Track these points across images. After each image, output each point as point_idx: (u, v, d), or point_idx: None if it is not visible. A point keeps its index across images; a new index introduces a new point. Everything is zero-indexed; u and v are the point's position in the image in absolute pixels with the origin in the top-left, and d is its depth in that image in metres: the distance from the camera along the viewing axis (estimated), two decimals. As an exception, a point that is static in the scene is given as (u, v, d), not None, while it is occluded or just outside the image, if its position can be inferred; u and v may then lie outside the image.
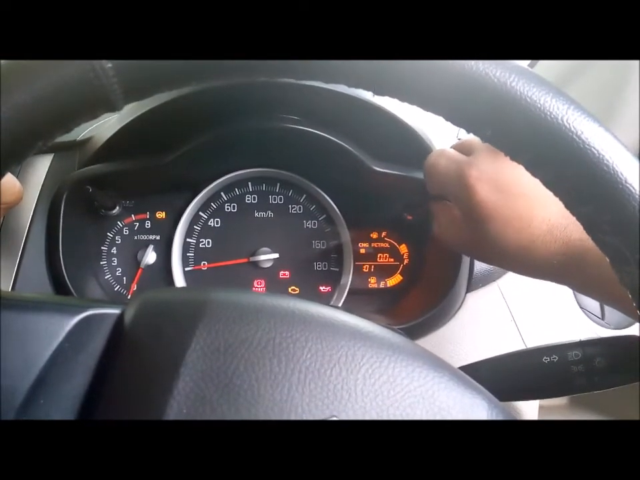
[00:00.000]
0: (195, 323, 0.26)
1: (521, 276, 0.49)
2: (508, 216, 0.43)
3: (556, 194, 0.25)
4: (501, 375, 0.44)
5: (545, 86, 0.23)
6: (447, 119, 0.25)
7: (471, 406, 0.27)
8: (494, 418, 0.27)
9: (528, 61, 0.82)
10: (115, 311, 0.28)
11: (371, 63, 0.23)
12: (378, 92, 0.25)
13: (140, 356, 0.26)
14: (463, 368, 0.44)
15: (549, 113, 0.23)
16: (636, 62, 0.66)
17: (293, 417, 0.25)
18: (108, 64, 0.21)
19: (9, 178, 0.48)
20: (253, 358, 0.26)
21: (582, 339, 0.43)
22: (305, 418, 0.25)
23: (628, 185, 0.22)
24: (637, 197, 0.22)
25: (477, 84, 0.23)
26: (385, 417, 0.26)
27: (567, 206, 0.25)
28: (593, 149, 0.23)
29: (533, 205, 0.43)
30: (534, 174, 0.25)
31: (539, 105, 0.23)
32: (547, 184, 0.25)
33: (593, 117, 0.23)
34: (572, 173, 0.23)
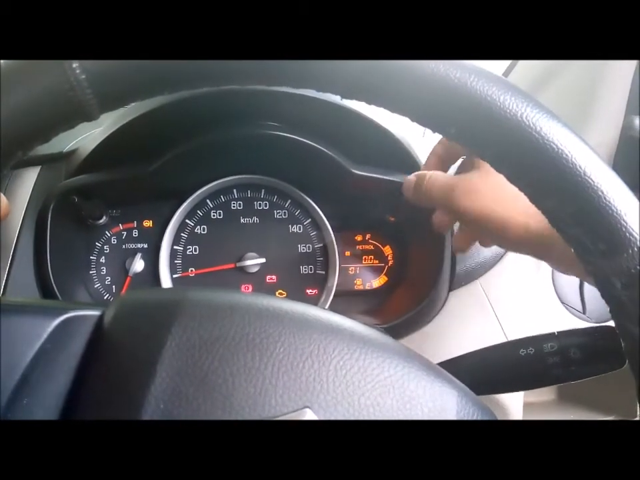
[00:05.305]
0: (171, 321, 0.27)
1: (503, 274, 0.50)
2: (492, 199, 0.44)
3: (520, 189, 0.26)
4: (479, 369, 0.44)
5: (504, 85, 0.24)
6: (412, 120, 0.26)
7: (440, 394, 0.28)
8: (463, 406, 0.28)
9: (508, 62, 0.83)
10: (95, 313, 0.29)
11: (336, 67, 0.23)
12: (345, 95, 0.25)
13: (119, 354, 0.27)
14: (443, 363, 0.45)
15: (508, 111, 0.23)
16: (611, 62, 0.67)
17: (267, 409, 0.25)
18: (82, 75, 0.22)
19: None
20: (228, 353, 0.26)
21: (557, 331, 0.44)
22: (278, 410, 0.25)
23: (587, 178, 0.23)
24: (596, 188, 0.23)
25: (438, 84, 0.23)
26: (356, 407, 0.26)
27: (531, 200, 0.26)
28: (552, 143, 0.23)
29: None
30: (498, 170, 0.26)
31: (498, 104, 0.24)
32: (511, 179, 0.26)
33: (551, 113, 0.24)
34: (533, 168, 0.24)
